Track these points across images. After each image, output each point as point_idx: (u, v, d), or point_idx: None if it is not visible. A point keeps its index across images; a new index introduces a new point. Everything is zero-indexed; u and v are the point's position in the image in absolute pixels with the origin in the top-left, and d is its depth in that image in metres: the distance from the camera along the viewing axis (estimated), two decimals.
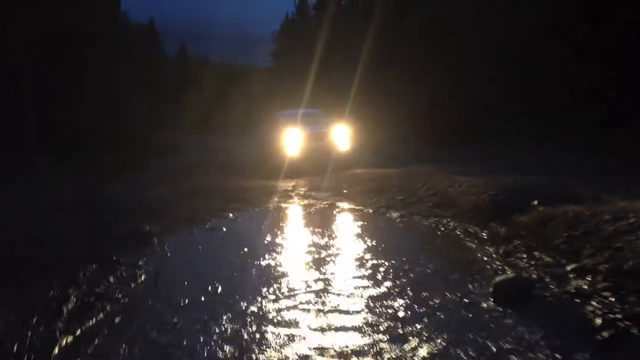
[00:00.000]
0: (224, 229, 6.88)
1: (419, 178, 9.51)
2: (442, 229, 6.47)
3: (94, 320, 3.82)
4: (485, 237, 5.84)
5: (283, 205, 8.63)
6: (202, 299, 4.24)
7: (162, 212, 7.54)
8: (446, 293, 4.17)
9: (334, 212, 7.94)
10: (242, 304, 4.08)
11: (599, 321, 3.53)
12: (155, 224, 6.67)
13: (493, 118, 17.51)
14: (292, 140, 12.56)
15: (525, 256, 5.05)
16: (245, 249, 5.79)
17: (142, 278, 4.82)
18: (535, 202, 6.63)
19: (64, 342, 3.45)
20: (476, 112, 17.92)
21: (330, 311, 3.89)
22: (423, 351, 3.23)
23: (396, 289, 4.33)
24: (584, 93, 15.35)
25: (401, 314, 3.81)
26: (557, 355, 3.09)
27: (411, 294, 4.19)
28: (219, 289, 4.44)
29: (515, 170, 9.64)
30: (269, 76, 44.66)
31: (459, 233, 6.20)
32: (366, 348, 3.27)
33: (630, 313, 3.55)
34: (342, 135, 12.95)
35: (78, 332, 3.61)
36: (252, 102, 35.67)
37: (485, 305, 3.95)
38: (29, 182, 10.13)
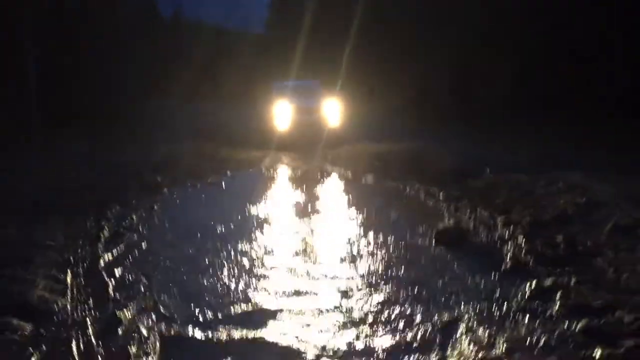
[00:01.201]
0: (223, 183, 8.04)
1: (397, 150, 10.67)
2: (408, 189, 7.64)
3: (125, 244, 4.98)
4: (441, 197, 7.01)
5: (274, 166, 9.76)
6: (205, 232, 5.42)
7: (169, 170, 8.66)
8: (398, 233, 5.36)
9: (317, 174, 9.08)
10: (237, 236, 5.26)
11: (507, 257, 4.71)
12: (164, 178, 7.81)
13: (491, 100, 17.40)
14: (282, 114, 12.46)
15: (469, 211, 6.22)
16: (240, 198, 6.96)
17: (157, 217, 5.97)
18: (488, 170, 7.82)
19: (105, 257, 4.60)
20: (472, 92, 18.06)
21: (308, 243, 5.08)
22: (373, 267, 4.43)
23: (359, 230, 5.52)
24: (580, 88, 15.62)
25: (362, 246, 5.01)
26: (467, 275, 4.28)
27: (370, 233, 5.38)
28: (218, 227, 5.62)
29: (490, 149, 10.73)
30: (264, 43, 45.01)
31: (421, 193, 7.37)
32: (329, 262, 4.47)
33: (532, 250, 4.75)
34: (333, 110, 12.73)
35: (115, 251, 4.77)
36: (247, 70, 36.29)
37: (427, 243, 5.14)
38: (48, 147, 11.17)
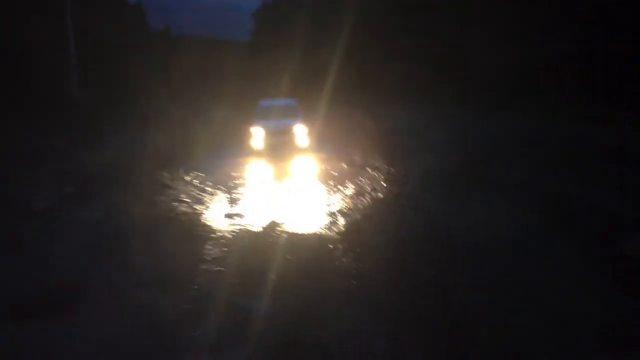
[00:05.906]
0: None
1: None
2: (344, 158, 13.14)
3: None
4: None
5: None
6: (207, 177, 10.86)
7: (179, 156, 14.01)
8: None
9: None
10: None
11: (366, 165, 10.20)
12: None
13: None
14: (257, 136, 13.56)
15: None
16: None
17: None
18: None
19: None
20: None
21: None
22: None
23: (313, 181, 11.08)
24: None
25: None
26: (343, 170, 9.79)
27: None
28: (217, 175, 11.09)
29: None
30: (250, 55, 46.99)
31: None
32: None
33: (381, 164, 10.25)
34: (303, 132, 13.54)
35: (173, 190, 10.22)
36: (232, 84, 38.56)
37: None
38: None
